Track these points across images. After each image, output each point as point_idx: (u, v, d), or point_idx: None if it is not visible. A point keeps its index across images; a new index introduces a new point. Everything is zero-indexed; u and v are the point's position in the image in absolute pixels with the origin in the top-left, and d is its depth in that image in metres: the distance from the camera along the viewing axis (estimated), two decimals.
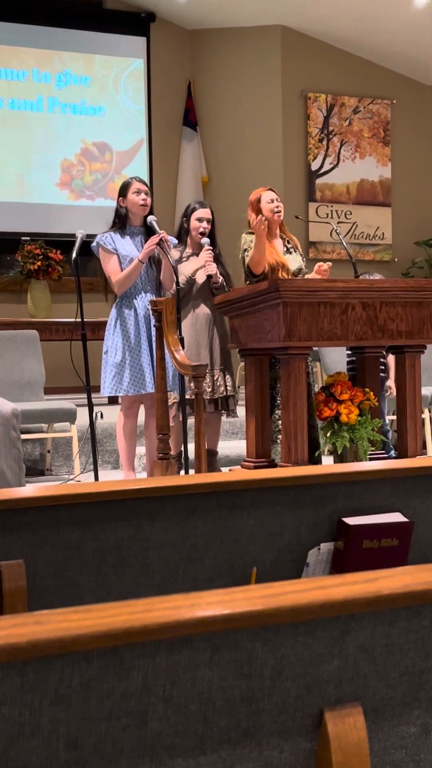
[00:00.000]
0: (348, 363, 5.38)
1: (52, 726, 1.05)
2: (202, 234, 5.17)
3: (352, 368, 5.04)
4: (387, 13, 8.95)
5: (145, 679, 1.08)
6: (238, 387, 5.65)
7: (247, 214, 5.03)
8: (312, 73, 9.85)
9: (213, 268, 5.06)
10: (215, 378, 5.17)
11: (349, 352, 5.34)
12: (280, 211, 4.98)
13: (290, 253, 5.03)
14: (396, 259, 10.29)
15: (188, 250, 5.26)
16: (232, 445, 6.16)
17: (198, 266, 5.12)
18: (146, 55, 9.87)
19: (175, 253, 5.16)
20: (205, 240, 5.15)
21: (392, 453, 5.36)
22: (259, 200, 5.00)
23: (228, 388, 5.22)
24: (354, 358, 5.16)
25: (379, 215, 10.22)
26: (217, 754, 1.15)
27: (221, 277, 5.11)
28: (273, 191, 5.05)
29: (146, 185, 5.10)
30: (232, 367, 5.37)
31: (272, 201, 4.97)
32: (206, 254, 5.08)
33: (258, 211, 4.97)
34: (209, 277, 5.08)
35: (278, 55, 9.65)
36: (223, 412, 5.30)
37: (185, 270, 5.13)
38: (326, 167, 10.00)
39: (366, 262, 9.88)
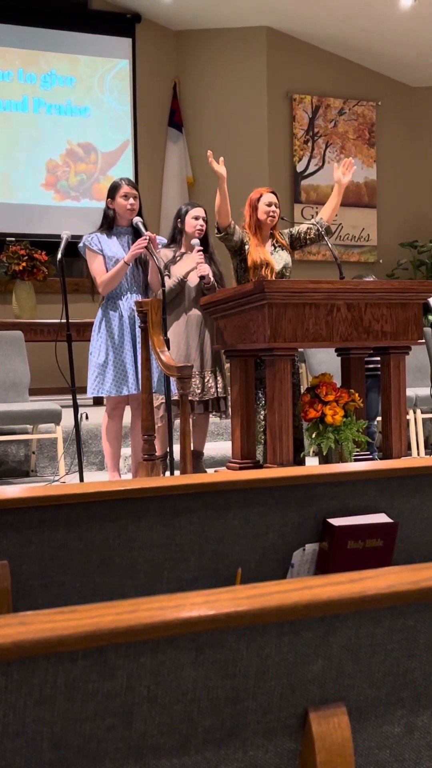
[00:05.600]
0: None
1: (36, 726, 1.05)
2: (201, 231, 5.17)
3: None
4: (372, 14, 8.98)
5: (129, 679, 1.08)
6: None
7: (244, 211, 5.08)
8: (297, 74, 9.87)
9: (205, 269, 5.07)
10: (206, 380, 5.17)
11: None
12: (274, 217, 5.01)
13: (276, 251, 5.04)
14: (381, 261, 10.31)
15: (182, 250, 5.26)
16: (218, 447, 6.16)
17: (189, 268, 5.12)
18: (132, 55, 9.86)
19: (168, 253, 5.17)
20: (195, 241, 5.16)
21: (375, 455, 5.37)
22: (258, 199, 5.01)
23: (219, 389, 5.22)
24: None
25: (364, 217, 10.25)
26: (202, 755, 1.15)
27: (213, 278, 5.12)
28: (274, 195, 5.06)
29: (135, 188, 5.09)
30: (225, 369, 5.37)
31: (270, 204, 4.99)
32: (197, 256, 5.08)
33: (255, 209, 5.00)
34: (201, 278, 5.08)
35: (264, 56, 9.66)
36: (214, 413, 5.30)
37: (177, 272, 5.13)
38: (311, 169, 10.01)
39: (351, 264, 9.90)
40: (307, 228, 5.16)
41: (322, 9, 9.00)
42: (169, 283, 5.05)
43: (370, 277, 5.60)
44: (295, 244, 5.17)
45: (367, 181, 10.29)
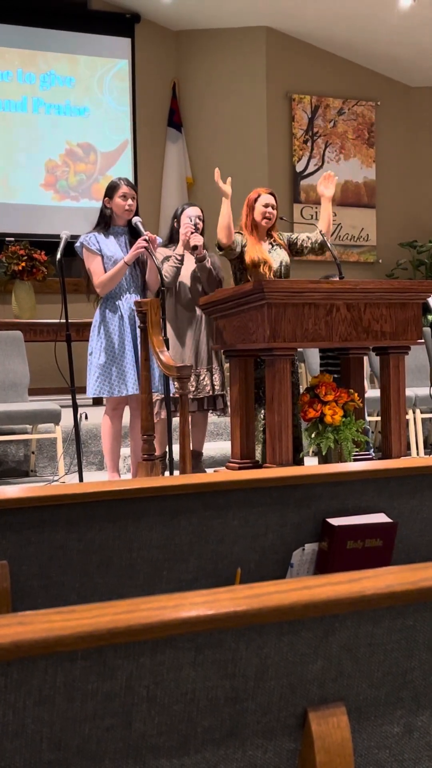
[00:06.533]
0: (321, 366, 5.36)
1: (35, 727, 1.05)
2: (196, 229, 5.17)
3: (326, 369, 5.05)
4: (372, 14, 8.98)
5: (129, 679, 1.08)
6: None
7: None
8: (297, 74, 9.87)
9: (198, 239, 5.08)
10: (201, 378, 5.16)
11: (322, 354, 5.36)
12: (270, 218, 4.99)
13: (274, 248, 5.03)
14: (380, 261, 10.31)
15: (179, 249, 5.27)
16: (217, 446, 6.16)
17: (183, 244, 5.15)
18: (131, 55, 9.86)
19: (167, 252, 5.17)
20: (195, 208, 5.23)
21: (371, 454, 5.37)
22: (256, 199, 5.00)
23: (216, 387, 5.21)
24: (327, 360, 5.19)
25: (363, 217, 10.25)
26: (201, 755, 1.15)
27: (205, 250, 5.15)
28: (273, 196, 5.04)
29: (134, 189, 5.08)
30: (222, 366, 5.37)
31: (267, 205, 4.98)
32: (186, 230, 5.11)
33: (252, 209, 4.99)
34: (194, 248, 5.09)
35: (263, 56, 9.66)
36: (210, 411, 5.29)
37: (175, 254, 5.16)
38: (311, 168, 10.01)
39: (351, 264, 9.91)
40: (305, 240, 5.12)
41: (322, 9, 9.00)
42: (167, 268, 5.05)
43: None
44: (293, 249, 5.15)
45: (367, 181, 10.28)
